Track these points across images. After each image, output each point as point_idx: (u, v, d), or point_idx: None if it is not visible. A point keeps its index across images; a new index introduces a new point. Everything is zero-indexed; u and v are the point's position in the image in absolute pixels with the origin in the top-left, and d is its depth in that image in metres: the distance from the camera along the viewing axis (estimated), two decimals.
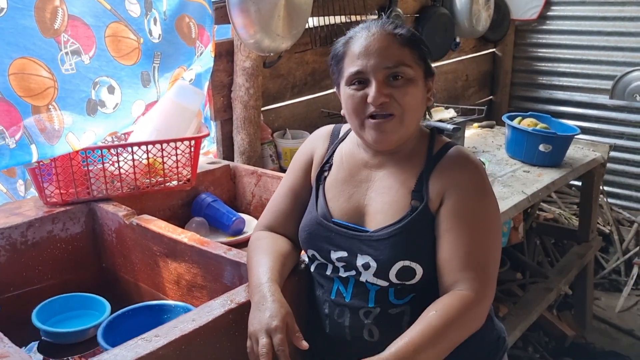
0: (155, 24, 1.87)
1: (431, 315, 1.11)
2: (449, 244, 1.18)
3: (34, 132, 1.59)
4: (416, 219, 1.21)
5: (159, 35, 1.88)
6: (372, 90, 1.19)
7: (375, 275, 1.21)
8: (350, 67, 1.22)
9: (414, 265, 1.19)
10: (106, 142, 2.00)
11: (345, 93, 1.24)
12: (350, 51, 1.23)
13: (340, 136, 1.40)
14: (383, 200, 1.26)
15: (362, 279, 1.23)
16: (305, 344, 1.11)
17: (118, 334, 1.34)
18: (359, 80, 1.21)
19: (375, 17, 2.98)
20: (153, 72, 1.87)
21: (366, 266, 1.22)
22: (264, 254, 1.28)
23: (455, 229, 1.19)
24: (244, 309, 1.21)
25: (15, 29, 1.54)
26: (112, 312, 1.47)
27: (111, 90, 1.75)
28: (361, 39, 1.22)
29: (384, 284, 1.21)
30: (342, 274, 1.26)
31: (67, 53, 1.64)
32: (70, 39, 1.64)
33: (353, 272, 1.25)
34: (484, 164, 2.47)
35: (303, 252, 1.39)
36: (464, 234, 1.18)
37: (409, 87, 1.20)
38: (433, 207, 1.22)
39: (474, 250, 1.18)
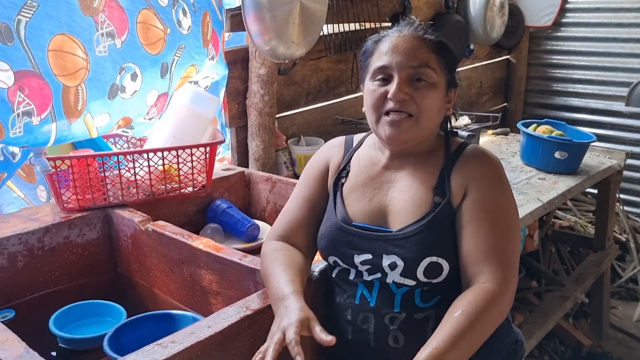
0: (185, 15, 1.87)
1: (457, 316, 1.11)
2: (471, 236, 1.20)
3: (59, 112, 1.59)
4: (439, 215, 1.22)
5: (189, 27, 1.88)
6: (393, 86, 1.22)
7: (403, 274, 1.22)
8: (376, 62, 1.25)
9: (440, 260, 1.20)
10: (121, 147, 2.02)
11: (368, 87, 1.27)
12: (379, 48, 1.27)
13: (354, 145, 1.41)
14: (405, 199, 1.27)
15: (389, 280, 1.23)
16: (330, 338, 1.08)
17: (125, 342, 1.34)
18: (383, 76, 1.24)
19: (389, 24, 2.98)
20: (172, 64, 1.88)
21: (393, 266, 1.22)
22: (283, 266, 1.26)
23: (477, 221, 1.20)
24: (260, 315, 1.21)
25: (57, 2, 1.53)
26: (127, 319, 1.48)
27: (134, 77, 1.76)
28: (392, 38, 1.26)
29: (411, 283, 1.22)
30: (367, 277, 1.26)
31: (102, 34, 1.64)
32: (106, 19, 1.65)
33: (378, 275, 1.25)
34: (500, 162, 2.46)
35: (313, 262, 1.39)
36: (485, 225, 1.20)
37: (430, 90, 1.23)
38: (455, 202, 1.24)
39: (496, 242, 1.19)
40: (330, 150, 1.43)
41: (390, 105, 1.22)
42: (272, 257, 1.30)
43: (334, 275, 1.33)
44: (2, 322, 1.20)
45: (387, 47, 1.25)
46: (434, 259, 1.20)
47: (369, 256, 1.25)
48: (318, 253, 1.38)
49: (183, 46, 1.89)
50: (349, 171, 1.36)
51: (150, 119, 1.97)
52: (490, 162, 1.28)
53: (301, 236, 1.37)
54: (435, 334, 1.10)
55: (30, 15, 1.48)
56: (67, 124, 1.63)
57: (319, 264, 1.40)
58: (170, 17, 1.83)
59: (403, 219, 1.25)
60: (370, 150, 1.37)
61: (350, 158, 1.38)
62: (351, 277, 1.29)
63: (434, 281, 1.21)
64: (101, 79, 1.67)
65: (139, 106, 1.84)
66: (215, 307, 1.48)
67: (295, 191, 1.43)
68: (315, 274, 1.37)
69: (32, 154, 1.63)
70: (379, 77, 1.25)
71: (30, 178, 1.85)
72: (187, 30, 1.90)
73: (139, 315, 1.44)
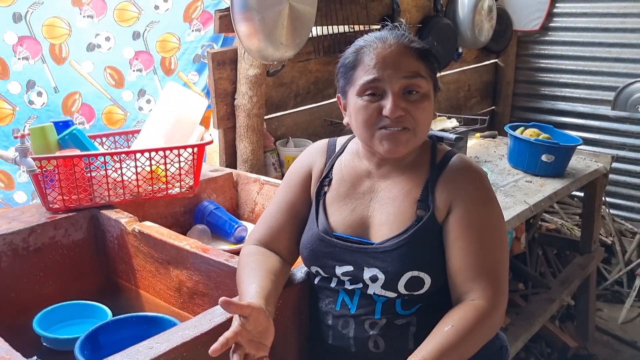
0: (166, 1, 2.28)
1: (447, 331, 1.10)
2: (459, 253, 1.19)
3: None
4: (422, 229, 1.20)
5: (167, 9, 2.26)
6: (388, 103, 1.17)
7: (384, 287, 1.21)
8: (365, 76, 1.20)
9: (422, 275, 1.19)
10: (108, 147, 2.00)
11: (357, 104, 1.21)
12: (364, 61, 1.21)
13: (337, 150, 1.38)
14: (388, 211, 1.25)
15: (370, 291, 1.23)
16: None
17: (104, 343, 1.34)
18: (373, 91, 1.19)
19: (379, 26, 2.99)
20: (143, 32, 2.26)
21: (374, 279, 1.21)
22: (254, 272, 1.23)
23: (465, 238, 1.19)
24: None
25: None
26: None
27: (108, 39, 2.23)
28: (377, 50, 1.20)
29: (392, 295, 1.21)
30: (348, 286, 1.26)
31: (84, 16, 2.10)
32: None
33: (360, 285, 1.24)
34: (486, 173, 2.47)
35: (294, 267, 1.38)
36: (473, 242, 1.18)
37: (423, 102, 1.20)
38: (440, 217, 1.22)
39: (485, 259, 1.18)
40: (312, 156, 1.40)
41: (386, 121, 1.18)
42: (246, 262, 1.28)
43: (315, 282, 1.33)
44: None
45: (373, 59, 1.19)
46: (415, 273, 1.18)
47: (350, 268, 1.24)
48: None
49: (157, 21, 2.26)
50: (331, 179, 1.33)
51: (139, 70, 2.21)
52: (475, 176, 1.25)
53: (282, 242, 1.35)
54: (424, 345, 1.10)
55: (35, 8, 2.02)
56: (56, 65, 2.04)
57: (302, 267, 1.39)
58: (148, 3, 2.22)
59: (385, 231, 1.23)
60: (353, 158, 1.33)
61: (333, 165, 1.35)
62: (333, 284, 1.28)
63: (416, 293, 1.21)
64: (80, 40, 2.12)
65: (117, 58, 2.20)
66: (202, 308, 1.47)
67: (277, 196, 1.40)
68: (299, 278, 1.36)
69: (17, 154, 1.62)
70: (369, 92, 1.20)
71: (10, 186, 1.87)
72: (165, 11, 2.24)
73: (117, 317, 1.43)
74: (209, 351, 1.01)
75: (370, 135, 1.22)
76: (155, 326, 1.37)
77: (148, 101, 2.29)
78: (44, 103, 2.00)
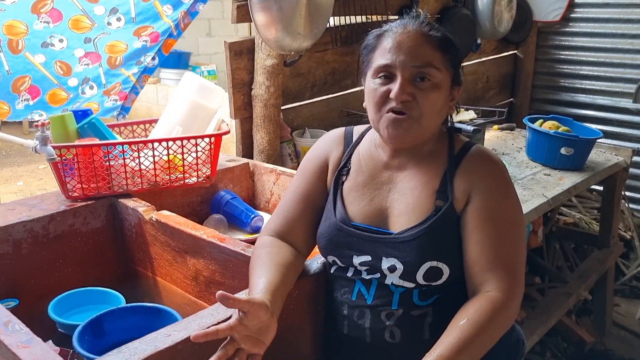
0: (119, 21, 2.35)
1: (462, 325, 1.10)
2: (476, 243, 1.18)
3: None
4: (441, 219, 1.20)
5: (118, 27, 2.33)
6: (396, 86, 1.18)
7: (402, 277, 1.20)
8: (379, 60, 1.22)
9: (440, 265, 1.19)
10: (126, 136, 2.02)
11: (370, 85, 1.23)
12: (382, 44, 1.23)
13: (354, 139, 1.37)
14: (407, 202, 1.24)
15: (387, 281, 1.22)
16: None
17: (103, 333, 1.35)
18: (385, 74, 1.21)
19: (397, 17, 2.97)
20: (94, 39, 2.34)
21: (392, 269, 1.21)
22: (264, 265, 1.21)
23: (482, 228, 1.18)
24: None
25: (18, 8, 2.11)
26: None
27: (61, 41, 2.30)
28: (395, 34, 1.22)
29: (410, 285, 1.21)
30: (365, 276, 1.25)
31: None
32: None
33: (377, 275, 1.23)
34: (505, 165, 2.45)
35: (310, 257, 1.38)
36: (490, 233, 1.18)
37: (433, 91, 1.19)
38: (458, 207, 1.21)
39: (501, 249, 1.18)
40: (328, 145, 1.39)
41: (392, 104, 1.19)
42: (258, 254, 1.27)
43: (332, 272, 1.32)
44: (7, 309, 1.21)
45: (390, 44, 1.20)
46: (434, 263, 1.18)
47: (368, 258, 1.23)
48: (316, 247, 1.36)
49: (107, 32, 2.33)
50: (349, 169, 1.33)
51: (87, 65, 2.28)
52: (494, 166, 1.25)
53: (297, 233, 1.34)
54: (440, 341, 1.09)
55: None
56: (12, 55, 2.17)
57: (318, 257, 1.39)
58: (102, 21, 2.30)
59: (404, 221, 1.23)
60: (370, 147, 1.33)
61: (351, 154, 1.35)
62: (349, 274, 1.28)
63: (434, 284, 1.20)
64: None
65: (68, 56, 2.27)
66: None
67: (292, 186, 1.39)
68: (315, 268, 1.36)
69: (37, 142, 1.64)
70: (381, 75, 1.21)
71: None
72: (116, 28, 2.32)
73: (122, 306, 1.45)
74: (191, 337, 1.00)
75: (378, 118, 1.23)
76: (159, 317, 1.38)
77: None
78: None
